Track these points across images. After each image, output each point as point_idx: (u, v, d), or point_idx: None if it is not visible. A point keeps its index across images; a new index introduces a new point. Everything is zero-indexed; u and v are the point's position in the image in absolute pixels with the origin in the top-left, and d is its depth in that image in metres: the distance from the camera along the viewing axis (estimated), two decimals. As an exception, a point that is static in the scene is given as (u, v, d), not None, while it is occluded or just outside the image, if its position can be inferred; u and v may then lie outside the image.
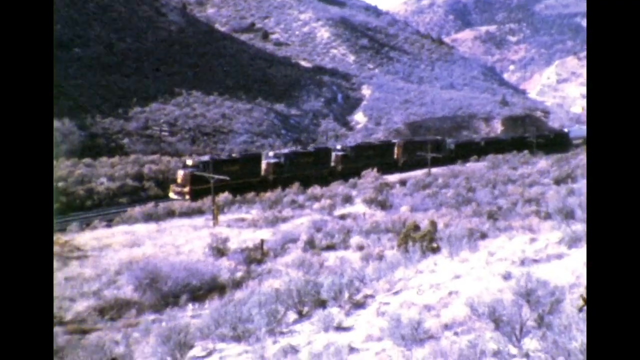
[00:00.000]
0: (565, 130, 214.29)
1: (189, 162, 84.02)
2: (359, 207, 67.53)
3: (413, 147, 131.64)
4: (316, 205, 68.64)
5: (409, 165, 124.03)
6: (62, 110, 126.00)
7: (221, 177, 72.61)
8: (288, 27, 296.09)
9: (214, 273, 40.62)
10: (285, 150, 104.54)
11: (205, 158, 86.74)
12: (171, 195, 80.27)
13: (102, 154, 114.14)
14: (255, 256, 45.43)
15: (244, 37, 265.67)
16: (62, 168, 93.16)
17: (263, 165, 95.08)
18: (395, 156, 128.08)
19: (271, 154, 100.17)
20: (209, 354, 18.32)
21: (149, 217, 62.70)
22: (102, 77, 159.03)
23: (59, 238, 48.89)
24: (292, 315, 20.85)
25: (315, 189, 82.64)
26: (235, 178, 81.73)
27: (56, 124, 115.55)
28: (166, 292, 37.16)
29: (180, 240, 50.58)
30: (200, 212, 66.70)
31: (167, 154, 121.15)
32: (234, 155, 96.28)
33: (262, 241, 47.82)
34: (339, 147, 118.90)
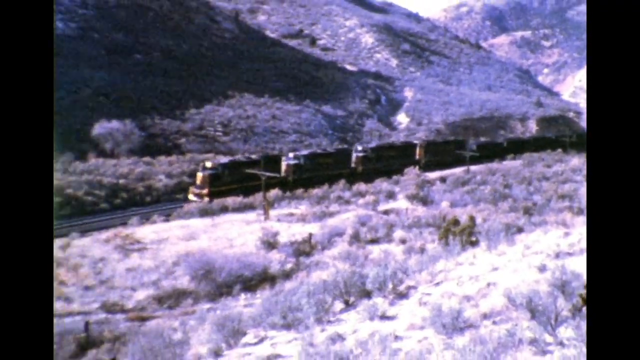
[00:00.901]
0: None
1: (208, 164, 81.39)
2: (401, 202, 67.34)
3: (435, 148, 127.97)
4: (361, 201, 68.56)
5: (430, 165, 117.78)
6: (124, 112, 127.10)
7: (272, 174, 72.81)
8: (334, 33, 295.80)
9: (265, 265, 40.73)
10: (305, 152, 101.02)
11: (225, 160, 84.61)
12: (190, 197, 77.55)
13: (160, 153, 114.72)
14: (304, 249, 45.45)
15: (293, 42, 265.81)
16: (124, 166, 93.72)
17: (283, 166, 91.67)
18: (417, 157, 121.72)
19: (291, 155, 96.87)
20: (261, 340, 18.31)
21: (204, 212, 62.88)
22: (161, 81, 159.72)
23: (120, 231, 49.21)
24: (338, 305, 20.80)
25: (361, 186, 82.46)
26: (255, 179, 77.14)
27: (118, 124, 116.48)
28: (220, 282, 37.31)
29: (233, 234, 50.67)
30: (251, 207, 66.68)
31: (221, 152, 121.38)
32: (253, 156, 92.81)
33: (310, 235, 47.83)
34: (359, 147, 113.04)
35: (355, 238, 47.10)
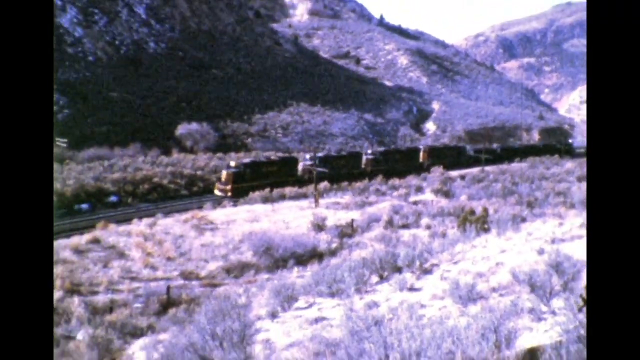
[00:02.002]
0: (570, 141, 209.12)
1: (232, 163, 77.02)
2: (428, 195, 67.11)
3: (437, 153, 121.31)
4: (395, 193, 68.45)
5: (433, 167, 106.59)
6: (202, 116, 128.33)
7: (323, 169, 72.73)
8: (375, 55, 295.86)
9: (315, 244, 40.73)
10: (320, 154, 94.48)
11: (247, 160, 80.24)
12: (216, 192, 73.01)
13: (231, 150, 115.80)
14: (347, 231, 45.41)
15: (341, 62, 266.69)
16: (201, 160, 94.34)
17: (299, 167, 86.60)
18: (420, 160, 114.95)
19: (307, 156, 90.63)
20: (310, 305, 18.34)
21: (265, 200, 63.01)
22: (232, 92, 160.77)
23: (196, 213, 49.51)
24: (374, 278, 20.79)
25: (395, 181, 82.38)
26: (274, 177, 77.67)
27: (197, 126, 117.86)
28: (277, 257, 37.43)
29: (289, 217, 50.77)
30: (305, 196, 66.70)
31: (280, 150, 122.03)
32: (272, 157, 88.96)
33: (352, 220, 47.83)
34: (369, 151, 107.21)
35: (390, 223, 46.97)
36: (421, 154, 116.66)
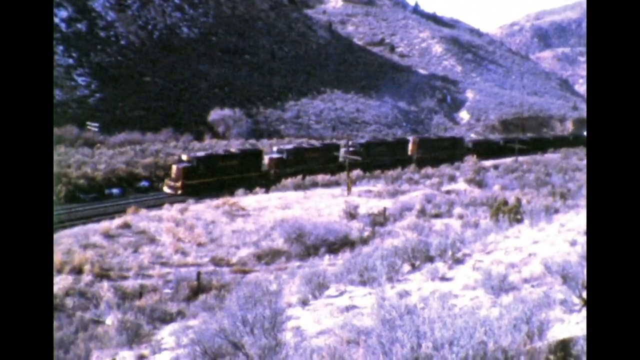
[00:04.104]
0: None
1: (184, 157, 69.49)
2: (461, 185, 67.01)
3: (428, 145, 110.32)
4: (428, 182, 68.44)
5: (423, 161, 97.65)
6: (235, 102, 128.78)
7: (355, 157, 71.99)
8: (410, 43, 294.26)
9: (346, 232, 40.80)
10: (290, 146, 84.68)
11: (201, 154, 70.86)
12: (165, 189, 66.00)
13: (263, 137, 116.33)
14: (379, 220, 45.41)
15: (375, 49, 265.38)
16: (233, 146, 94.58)
17: (266, 160, 78.85)
18: (409, 152, 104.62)
19: (275, 149, 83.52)
20: (341, 293, 18.36)
21: (297, 187, 63.17)
22: (266, 78, 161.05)
23: (228, 200, 49.66)
24: (406, 267, 20.76)
25: (428, 169, 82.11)
26: (235, 172, 70.50)
27: (229, 112, 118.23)
28: (309, 244, 37.52)
29: (321, 205, 50.82)
30: (337, 184, 66.76)
31: (313, 137, 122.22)
32: (233, 150, 78.61)
33: (385, 209, 47.80)
34: (349, 142, 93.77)
35: (422, 212, 46.96)
36: (410, 146, 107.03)
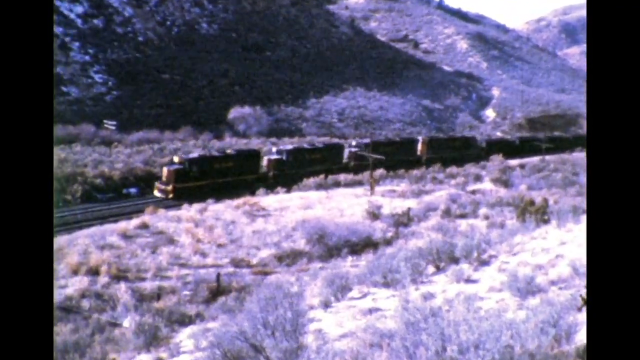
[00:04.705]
0: None
1: (176, 159, 66.93)
2: (486, 184, 66.97)
3: (439, 144, 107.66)
4: (452, 182, 68.42)
5: (434, 162, 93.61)
6: (255, 99, 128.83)
7: (378, 156, 71.42)
8: (434, 39, 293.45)
9: (369, 232, 40.82)
10: (290, 147, 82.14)
11: (194, 155, 68.53)
12: (155, 192, 63.31)
13: (284, 135, 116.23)
14: (403, 220, 45.39)
15: (399, 45, 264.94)
16: (253, 144, 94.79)
17: (265, 162, 76.19)
18: (418, 153, 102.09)
19: (274, 149, 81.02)
20: (364, 295, 18.41)
21: (319, 186, 63.19)
22: (287, 75, 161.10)
23: (249, 199, 49.77)
24: (430, 269, 20.81)
25: (453, 169, 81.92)
26: (231, 175, 68.09)
27: (250, 110, 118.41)
28: (331, 246, 37.56)
29: (344, 205, 50.85)
30: (360, 183, 66.72)
31: (336, 136, 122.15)
32: (228, 151, 75.29)
33: (409, 209, 47.77)
34: (353, 143, 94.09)
35: (447, 213, 46.91)
36: (419, 145, 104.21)
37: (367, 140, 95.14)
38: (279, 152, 78.16)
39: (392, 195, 56.73)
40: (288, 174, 73.60)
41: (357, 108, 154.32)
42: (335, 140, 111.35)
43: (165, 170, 63.60)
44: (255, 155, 75.95)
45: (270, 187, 64.01)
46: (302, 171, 74.65)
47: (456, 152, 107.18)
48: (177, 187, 61.62)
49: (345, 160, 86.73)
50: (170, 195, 61.14)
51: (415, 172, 77.25)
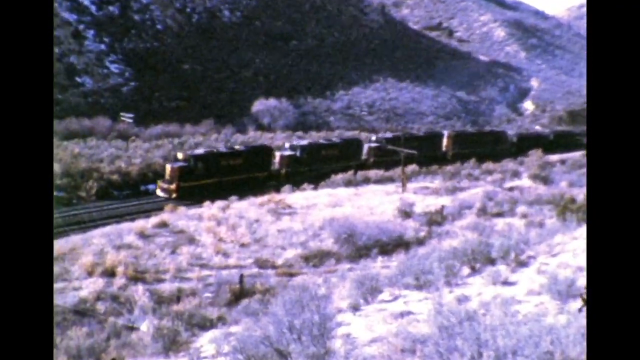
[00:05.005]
0: None
1: (180, 155, 65.47)
2: (525, 181, 66.66)
3: (465, 140, 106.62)
4: (489, 178, 68.24)
5: (459, 158, 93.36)
6: (280, 91, 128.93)
7: (410, 151, 71.06)
8: (469, 27, 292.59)
9: (401, 232, 40.75)
10: (304, 142, 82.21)
11: (200, 152, 68.61)
12: (158, 192, 62.50)
13: (311, 129, 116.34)
14: (436, 219, 45.30)
15: (432, 34, 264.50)
16: (279, 139, 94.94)
17: (277, 159, 74.97)
18: (443, 148, 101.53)
19: (287, 145, 78.75)
20: (395, 298, 18.41)
21: (348, 183, 63.24)
22: (314, 65, 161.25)
23: (274, 197, 49.86)
24: (465, 270, 20.77)
25: (489, 165, 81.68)
26: (240, 173, 67.26)
27: (275, 102, 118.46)
28: (360, 245, 37.52)
29: (374, 202, 50.85)
30: (391, 180, 66.74)
31: (365, 130, 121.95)
32: (236, 147, 74.25)
33: (442, 207, 47.66)
34: (373, 138, 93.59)
35: (483, 211, 46.79)
36: (444, 140, 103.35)
37: (388, 135, 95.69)
38: (292, 147, 77.24)
39: (425, 193, 56.67)
40: (302, 171, 73.24)
41: (388, 100, 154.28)
42: (352, 134, 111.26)
43: (168, 167, 63.13)
44: (266, 151, 74.95)
45: (282, 186, 63.06)
46: (317, 169, 74.82)
47: (484, 147, 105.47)
48: (181, 186, 61.07)
49: (364, 156, 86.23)
50: (174, 195, 60.58)
51: (449, 168, 77.06)
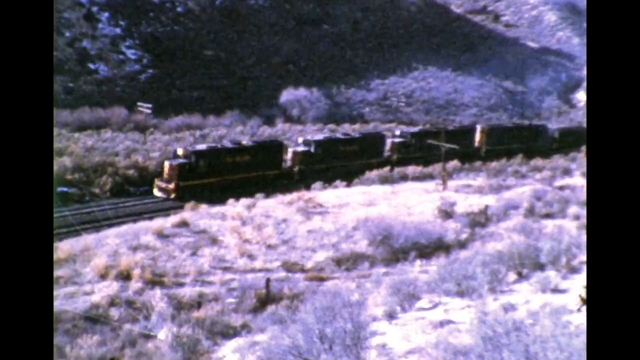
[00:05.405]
0: None
1: (180, 151, 63.70)
2: (577, 179, 66.12)
3: (500, 134, 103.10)
4: (537, 176, 67.94)
5: (494, 154, 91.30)
6: (311, 80, 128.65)
7: (451, 145, 70.47)
8: (517, 10, 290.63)
9: (441, 233, 40.64)
10: (320, 137, 79.30)
11: (202, 147, 66.83)
12: (155, 192, 61.23)
13: (344, 121, 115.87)
14: (480, 220, 45.15)
15: (476, 18, 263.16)
16: (309, 132, 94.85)
17: (289, 155, 74.03)
18: (476, 144, 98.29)
19: (300, 140, 77.21)
20: (434, 306, 18.37)
21: (384, 180, 63.16)
22: (347, 52, 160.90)
23: (303, 194, 49.86)
24: (512, 276, 20.72)
25: (538, 161, 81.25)
26: (247, 171, 65.99)
27: (305, 92, 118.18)
28: (397, 248, 37.50)
29: (412, 201, 50.76)
30: (430, 177, 66.63)
31: (403, 123, 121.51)
32: (243, 142, 72.51)
33: (486, 206, 47.49)
34: (397, 132, 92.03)
35: (530, 212, 46.58)
36: (477, 135, 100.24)
37: (415, 129, 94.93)
38: (306, 143, 75.69)
39: (468, 191, 56.50)
40: (317, 169, 72.02)
41: (428, 90, 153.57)
42: (388, 127, 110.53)
43: (166, 164, 62.16)
44: (277, 147, 73.91)
45: (295, 185, 62.49)
46: (334, 166, 73.20)
47: (522, 143, 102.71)
48: (180, 186, 60.00)
49: (387, 153, 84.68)
50: (173, 195, 59.74)
51: (494, 165, 76.74)
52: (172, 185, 59.74)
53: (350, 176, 68.16)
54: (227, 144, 72.40)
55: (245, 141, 75.24)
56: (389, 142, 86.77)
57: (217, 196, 54.41)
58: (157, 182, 61.32)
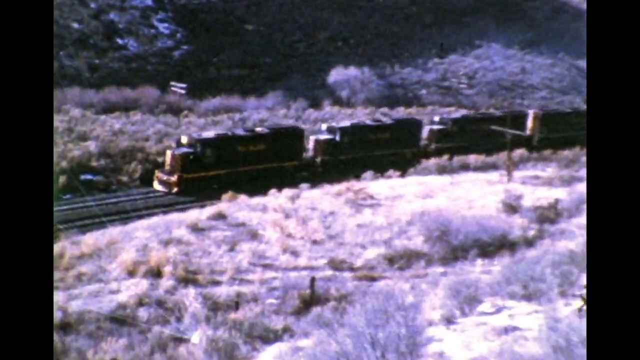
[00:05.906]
0: None
1: (184, 139, 62.66)
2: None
3: (555, 121, 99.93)
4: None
5: (549, 143, 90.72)
6: (362, 58, 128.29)
7: (517, 132, 69.79)
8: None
9: (505, 229, 40.34)
10: (346, 124, 77.44)
11: (209, 135, 65.72)
12: (155, 185, 60.38)
13: (399, 104, 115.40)
14: (549, 215, 44.83)
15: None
16: (360, 115, 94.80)
17: (310, 144, 72.35)
18: (528, 132, 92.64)
19: (324, 127, 75.89)
20: (498, 310, 18.27)
21: (442, 170, 63.02)
22: (403, 28, 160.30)
23: (352, 185, 49.83)
24: (585, 278, 20.50)
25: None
26: (261, 162, 64.86)
27: (355, 72, 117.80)
28: (456, 245, 37.28)
29: (473, 194, 50.57)
30: (494, 167, 66.35)
31: (464, 106, 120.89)
32: (257, 129, 70.85)
33: (556, 200, 47.15)
34: (436, 119, 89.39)
35: (606, 207, 46.17)
36: (530, 121, 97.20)
37: (456, 115, 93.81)
38: (330, 130, 74.64)
39: (535, 183, 56.24)
40: (342, 160, 71.19)
41: (493, 70, 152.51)
42: (448, 111, 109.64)
43: (168, 154, 61.48)
44: (296, 134, 72.36)
45: (318, 178, 61.82)
46: (362, 157, 71.96)
47: (581, 131, 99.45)
48: (183, 178, 59.17)
49: (424, 141, 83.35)
50: (175, 189, 59.21)
51: (566, 154, 76.11)
52: (174, 178, 59.06)
53: (381, 168, 66.26)
54: (238, 131, 71.13)
55: (259, 128, 73.71)
56: (426, 129, 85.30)
57: (224, 190, 52.85)
58: (158, 173, 60.71)
